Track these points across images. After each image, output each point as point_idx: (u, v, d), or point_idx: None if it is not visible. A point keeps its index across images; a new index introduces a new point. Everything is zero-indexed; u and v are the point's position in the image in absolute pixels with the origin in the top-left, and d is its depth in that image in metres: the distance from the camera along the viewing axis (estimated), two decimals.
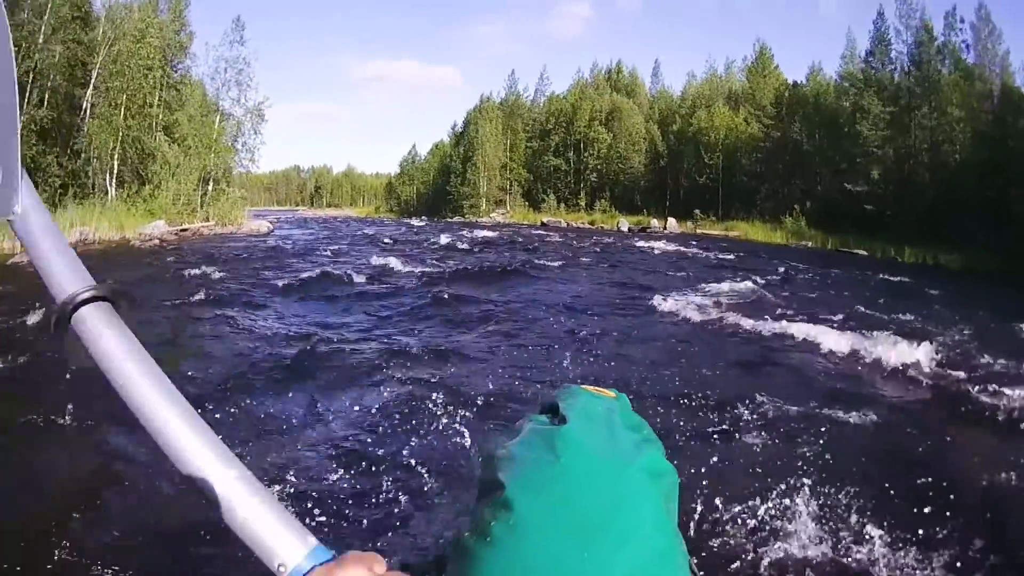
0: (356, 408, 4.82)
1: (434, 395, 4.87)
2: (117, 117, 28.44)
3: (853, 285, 14.17)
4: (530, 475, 1.07)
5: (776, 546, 3.05)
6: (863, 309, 9.95)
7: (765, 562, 2.95)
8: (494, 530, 0.96)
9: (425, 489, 3.54)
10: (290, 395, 5.05)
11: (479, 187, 63.52)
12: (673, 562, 0.96)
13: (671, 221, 45.03)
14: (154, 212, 27.65)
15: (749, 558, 2.97)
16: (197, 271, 12.55)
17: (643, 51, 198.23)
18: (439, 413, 4.53)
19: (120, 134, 28.38)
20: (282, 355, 6.27)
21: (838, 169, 38.92)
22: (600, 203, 56.32)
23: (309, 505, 3.25)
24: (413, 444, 4.11)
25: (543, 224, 50.37)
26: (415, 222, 52.93)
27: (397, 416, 4.58)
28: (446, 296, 9.90)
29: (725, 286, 12.32)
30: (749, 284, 12.70)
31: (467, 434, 4.12)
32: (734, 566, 2.93)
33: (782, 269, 17.31)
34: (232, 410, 4.61)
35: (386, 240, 24.64)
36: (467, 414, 4.53)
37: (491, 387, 5.29)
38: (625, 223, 46.50)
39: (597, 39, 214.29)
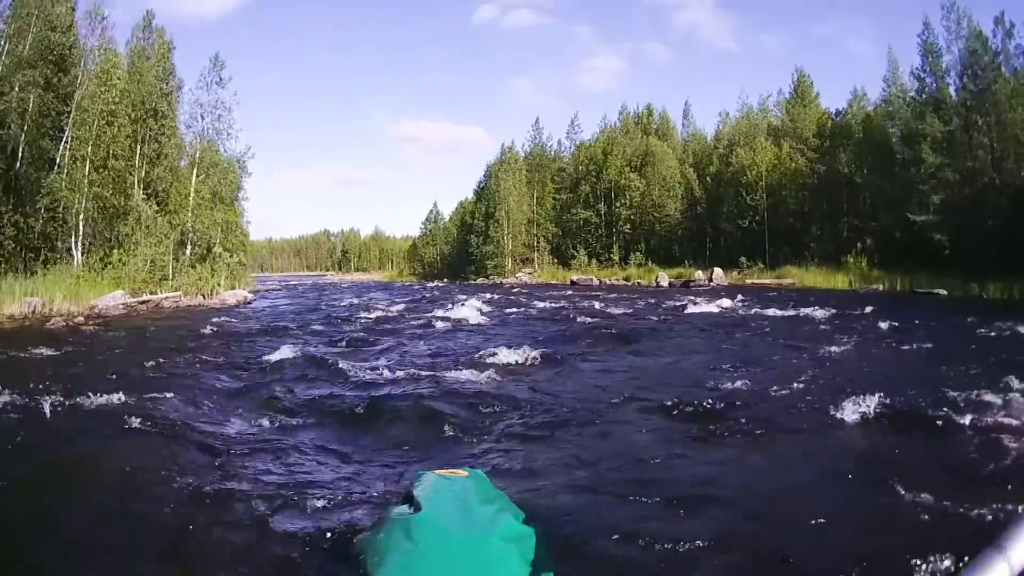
0: None
1: None
2: (79, 171, 25.72)
3: (961, 338, 11.01)
4: (392, 567, 1.20)
5: None
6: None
7: None
8: None
9: None
10: None
11: (503, 245, 60.89)
12: None
13: (717, 272, 40.97)
14: (120, 280, 24.98)
15: None
16: None
17: (673, 98, 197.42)
18: None
19: (84, 190, 25.62)
20: None
21: (894, 199, 35.80)
22: (635, 256, 52.90)
23: None
24: None
25: (572, 283, 46.69)
26: (427, 285, 50.50)
27: None
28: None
29: (803, 355, 9.24)
30: (835, 349, 9.61)
31: None
32: None
33: (863, 322, 14.04)
34: None
35: (366, 313, 20.03)
36: None
37: None
38: (664, 277, 42.85)
39: (625, 91, 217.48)
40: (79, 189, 25.34)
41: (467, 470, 2.15)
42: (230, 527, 3.94)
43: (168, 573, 3.43)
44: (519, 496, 3.71)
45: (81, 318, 18.78)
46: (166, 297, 25.55)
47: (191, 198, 31.20)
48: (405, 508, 1.76)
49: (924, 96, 36.03)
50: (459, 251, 68.51)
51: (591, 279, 47.76)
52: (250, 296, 30.11)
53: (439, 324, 15.74)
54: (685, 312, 18.59)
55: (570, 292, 34.16)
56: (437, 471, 2.08)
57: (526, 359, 9.38)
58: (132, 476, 4.64)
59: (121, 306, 22.21)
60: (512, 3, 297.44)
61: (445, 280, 62.59)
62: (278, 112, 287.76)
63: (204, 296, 27.95)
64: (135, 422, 5.70)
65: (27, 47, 24.06)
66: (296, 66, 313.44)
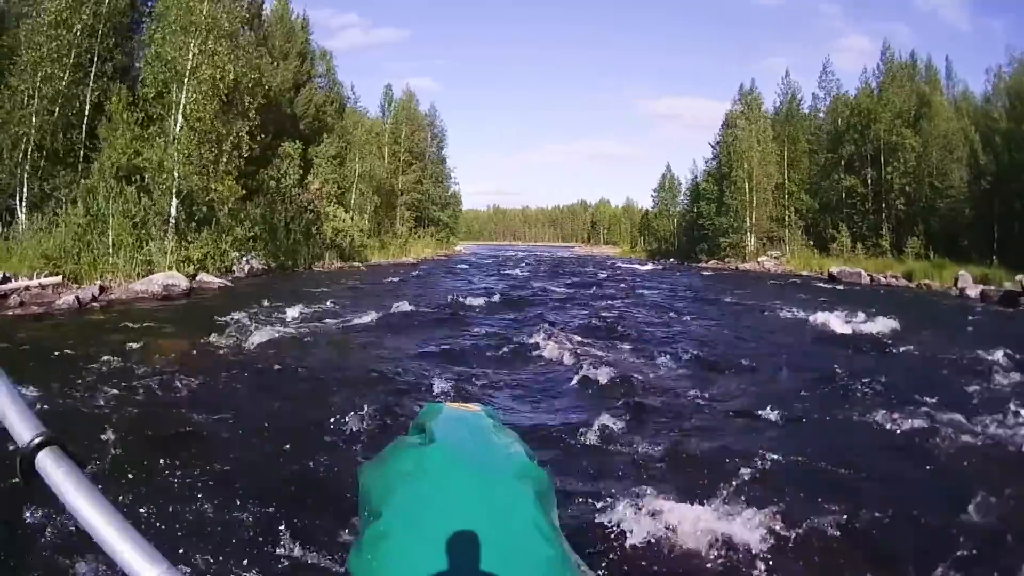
0: None
1: None
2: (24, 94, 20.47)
3: None
4: (403, 496, 1.22)
5: None
6: None
7: None
8: (375, 568, 1.07)
9: None
10: None
11: (741, 216, 51.39)
12: (559, 562, 1.08)
13: None
14: (48, 255, 18.09)
15: None
16: None
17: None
18: None
19: (33, 122, 20.69)
20: None
21: None
22: (911, 242, 42.33)
23: None
24: None
25: (831, 276, 37.03)
26: (645, 268, 44.14)
27: None
28: None
29: None
30: None
31: None
32: None
33: None
34: None
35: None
36: None
37: None
38: (968, 280, 28.21)
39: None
40: (18, 121, 20.54)
41: (479, 405, 2.12)
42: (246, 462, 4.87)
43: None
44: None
45: None
46: (36, 285, 16.84)
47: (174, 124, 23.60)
48: (418, 438, 1.71)
49: None
50: (690, 225, 60.23)
51: (859, 273, 37.43)
52: (185, 286, 18.97)
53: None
54: None
55: (826, 297, 21.22)
56: (448, 404, 2.07)
57: None
58: None
59: None
60: None
61: (672, 260, 56.06)
62: (540, 89, 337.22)
63: (110, 284, 18.44)
64: None
65: None
66: (558, 47, 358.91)
